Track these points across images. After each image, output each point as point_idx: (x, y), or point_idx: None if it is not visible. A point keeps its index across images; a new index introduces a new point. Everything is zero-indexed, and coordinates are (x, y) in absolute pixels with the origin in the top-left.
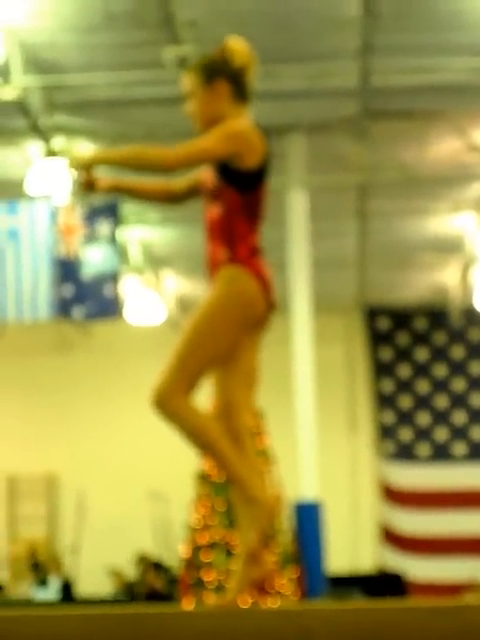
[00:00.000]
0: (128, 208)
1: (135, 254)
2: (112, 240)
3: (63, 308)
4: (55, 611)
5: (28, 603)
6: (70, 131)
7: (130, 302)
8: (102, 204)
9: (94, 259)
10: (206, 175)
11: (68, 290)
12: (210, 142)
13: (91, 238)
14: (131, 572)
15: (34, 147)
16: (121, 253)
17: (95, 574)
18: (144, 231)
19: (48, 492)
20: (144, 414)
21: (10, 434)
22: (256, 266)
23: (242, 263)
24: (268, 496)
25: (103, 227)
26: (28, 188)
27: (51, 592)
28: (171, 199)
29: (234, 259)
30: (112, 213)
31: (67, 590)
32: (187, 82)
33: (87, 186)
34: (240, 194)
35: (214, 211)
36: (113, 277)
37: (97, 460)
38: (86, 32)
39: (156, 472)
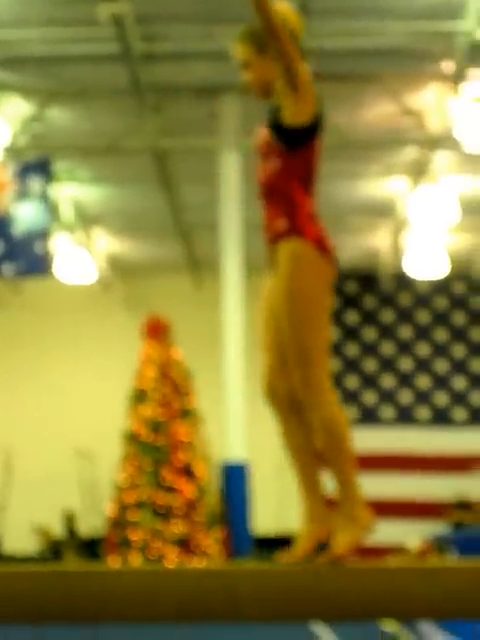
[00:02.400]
0: (60, 165)
1: (66, 212)
2: (43, 197)
3: None
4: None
5: None
6: (2, 87)
7: (61, 260)
8: (33, 161)
9: (25, 216)
10: (259, 133)
11: None
12: (302, 66)
13: (22, 195)
14: (57, 529)
15: None
16: (52, 211)
17: (21, 531)
18: (76, 189)
19: None
20: (74, 373)
21: None
22: (317, 234)
23: (304, 234)
24: (368, 515)
25: (34, 184)
26: None
27: None
28: None
29: (295, 230)
30: (43, 170)
31: None
32: (240, 52)
33: None
34: (291, 152)
35: (268, 170)
36: (44, 234)
37: (25, 417)
38: None
39: (84, 431)
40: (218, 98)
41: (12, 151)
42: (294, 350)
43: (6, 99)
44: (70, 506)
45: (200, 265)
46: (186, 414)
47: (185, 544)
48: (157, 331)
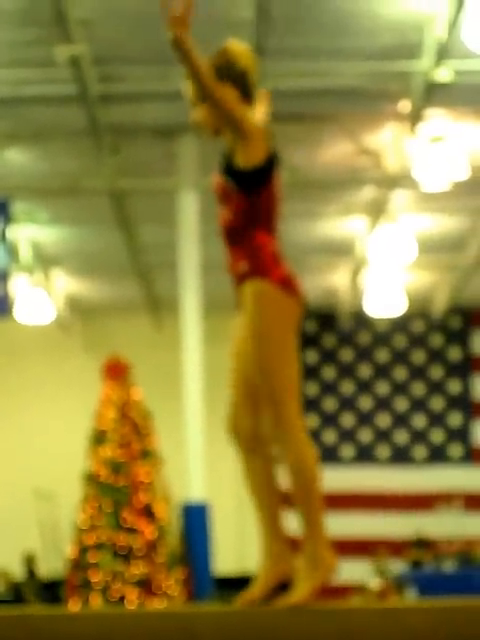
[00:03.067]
0: (18, 206)
1: (25, 253)
2: (2, 238)
3: None
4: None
5: None
6: None
7: (19, 301)
8: None
9: None
10: (215, 179)
11: None
12: (240, 108)
13: None
14: (18, 572)
15: None
16: (11, 252)
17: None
18: (34, 230)
19: None
20: (33, 413)
21: None
22: (281, 274)
23: (267, 274)
24: (332, 557)
25: None
26: None
27: None
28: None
29: (258, 271)
30: (2, 211)
31: None
32: (189, 91)
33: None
34: (248, 195)
35: (225, 215)
36: (3, 275)
37: None
38: None
39: (44, 471)
40: (175, 138)
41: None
42: (264, 390)
43: None
44: (30, 547)
45: (159, 305)
46: (146, 455)
47: (146, 585)
48: (117, 372)
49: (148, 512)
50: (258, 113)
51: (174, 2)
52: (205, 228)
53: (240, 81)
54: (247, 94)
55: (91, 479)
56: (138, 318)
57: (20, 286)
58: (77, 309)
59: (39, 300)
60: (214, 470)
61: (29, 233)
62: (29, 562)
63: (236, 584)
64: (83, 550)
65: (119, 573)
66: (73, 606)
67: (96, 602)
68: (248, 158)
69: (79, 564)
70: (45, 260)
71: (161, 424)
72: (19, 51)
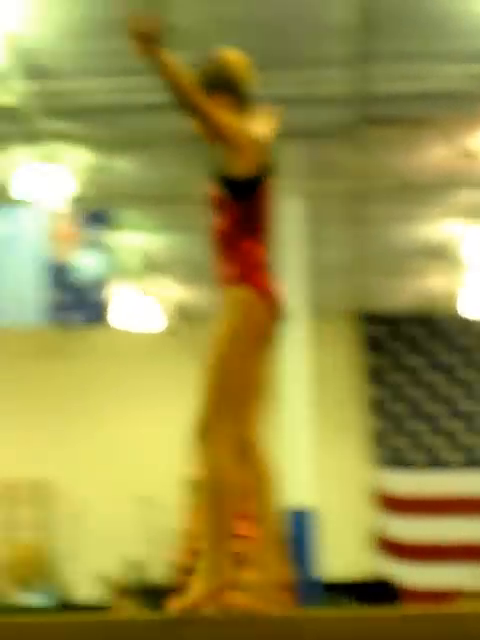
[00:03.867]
0: (124, 214)
1: (131, 261)
2: (104, 246)
3: (55, 314)
4: (47, 618)
5: (20, 609)
6: (66, 137)
7: (124, 308)
8: (97, 210)
9: (86, 265)
10: (209, 187)
11: (60, 296)
12: (224, 117)
13: (83, 244)
14: (124, 578)
15: (29, 153)
16: (115, 259)
17: (88, 580)
18: (140, 237)
19: (41, 498)
20: (135, 421)
21: (4, 440)
22: (259, 282)
23: (246, 281)
24: (229, 571)
25: (97, 233)
26: (22, 194)
27: (40, 598)
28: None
29: (238, 277)
30: (104, 220)
31: (61, 597)
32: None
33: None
34: (238, 203)
35: (217, 222)
36: (105, 283)
37: (89, 466)
38: (83, 38)
39: (149, 479)
40: (280, 144)
41: (76, 201)
42: (202, 387)
43: (70, 149)
44: (136, 554)
45: None
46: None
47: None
48: None
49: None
50: (258, 124)
51: (142, 19)
52: (310, 233)
53: (234, 90)
54: (242, 102)
55: (196, 485)
56: None
57: (126, 293)
58: (183, 315)
59: (145, 307)
60: (322, 475)
61: (135, 240)
62: (135, 568)
63: (344, 589)
64: (189, 556)
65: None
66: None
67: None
68: (238, 167)
69: (184, 570)
70: (151, 267)
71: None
72: (124, 60)
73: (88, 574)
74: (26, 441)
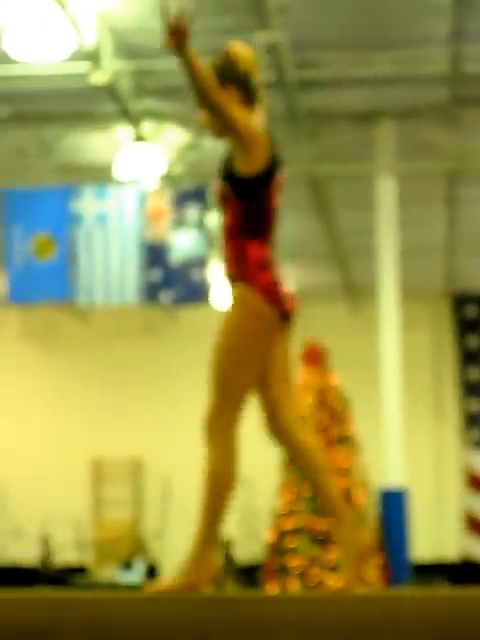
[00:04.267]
0: None
1: None
2: (200, 225)
3: (150, 293)
4: (139, 594)
5: (113, 586)
6: (159, 116)
7: (219, 288)
8: (190, 189)
9: (182, 244)
10: (216, 184)
11: (156, 275)
12: (237, 112)
13: (179, 223)
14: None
15: (123, 132)
16: (209, 238)
17: (179, 558)
18: None
19: (133, 476)
20: None
21: (96, 418)
22: (263, 281)
23: (249, 280)
24: (213, 565)
25: (191, 211)
26: (117, 173)
27: (135, 576)
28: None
29: (241, 276)
30: (201, 197)
31: (151, 574)
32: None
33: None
34: (243, 202)
35: (224, 219)
36: (201, 262)
37: (182, 445)
38: None
39: (241, 458)
40: (373, 123)
41: (169, 179)
42: (210, 379)
43: (165, 128)
44: (227, 533)
45: (357, 291)
46: (344, 440)
47: None
48: (315, 357)
49: (346, 498)
50: (260, 116)
51: (172, 14)
52: (403, 213)
53: (242, 84)
54: (249, 96)
55: (289, 464)
56: (336, 304)
57: (217, 273)
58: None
59: None
60: (412, 455)
61: None
62: (227, 547)
63: (434, 570)
64: (281, 535)
65: (317, 558)
66: (271, 591)
67: (294, 587)
68: (247, 166)
69: (277, 549)
70: None
71: (359, 409)
72: (218, 39)
73: (179, 551)
74: (120, 419)
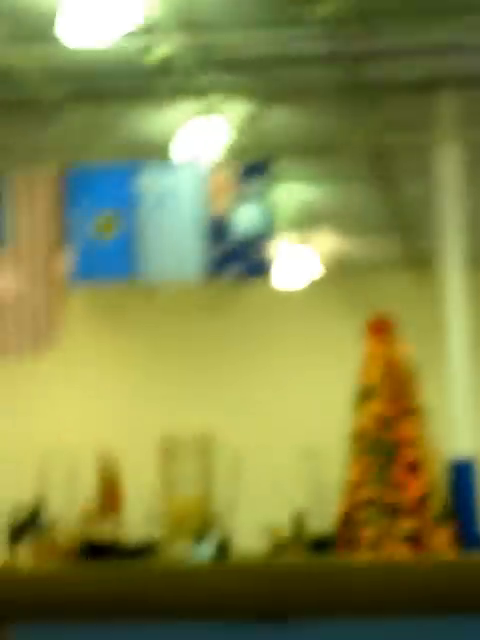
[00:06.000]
0: (279, 166)
1: (286, 213)
2: (263, 199)
3: (213, 269)
4: (212, 567)
5: (184, 561)
6: (222, 90)
7: (282, 262)
8: (254, 162)
9: (245, 218)
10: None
11: (218, 250)
12: None
13: (242, 198)
14: (286, 529)
15: (185, 107)
16: (272, 212)
17: (251, 532)
18: (295, 189)
19: (203, 452)
20: (297, 373)
21: (165, 395)
22: None
23: None
24: None
25: (255, 185)
26: (180, 148)
27: (207, 550)
28: None
29: None
30: (264, 171)
31: (223, 548)
32: None
33: None
34: None
35: None
36: (264, 237)
37: (251, 420)
38: None
39: (310, 431)
40: (435, 92)
41: (232, 152)
42: None
43: (227, 102)
44: (298, 505)
45: (421, 261)
46: (413, 411)
47: (415, 541)
48: (381, 328)
49: (416, 468)
50: None
51: None
52: (468, 181)
53: None
54: None
55: (359, 436)
56: (399, 274)
57: (281, 246)
58: (338, 267)
59: (301, 259)
60: None
61: (289, 192)
62: (298, 520)
63: None
64: (352, 507)
65: (388, 529)
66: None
67: (366, 558)
68: None
69: (348, 521)
70: (306, 219)
71: (426, 379)
72: (278, 11)
73: (250, 525)
74: (188, 396)
